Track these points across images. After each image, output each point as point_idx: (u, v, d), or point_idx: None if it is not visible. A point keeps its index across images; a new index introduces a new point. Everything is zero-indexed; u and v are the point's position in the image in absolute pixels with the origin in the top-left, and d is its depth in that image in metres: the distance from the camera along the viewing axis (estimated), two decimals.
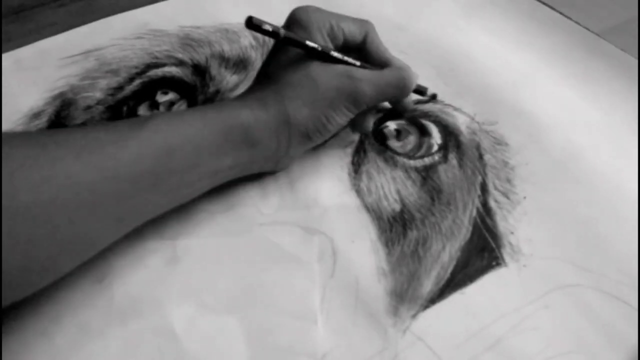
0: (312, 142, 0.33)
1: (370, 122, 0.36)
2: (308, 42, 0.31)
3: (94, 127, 0.30)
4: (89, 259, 0.28)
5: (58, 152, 0.25)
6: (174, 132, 0.28)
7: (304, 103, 0.31)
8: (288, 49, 0.32)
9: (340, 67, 0.32)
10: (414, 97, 0.40)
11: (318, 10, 0.33)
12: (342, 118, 0.33)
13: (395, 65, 0.34)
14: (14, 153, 0.24)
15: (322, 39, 0.32)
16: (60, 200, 0.24)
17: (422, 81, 0.39)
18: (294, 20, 0.33)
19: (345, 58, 0.33)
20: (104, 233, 0.27)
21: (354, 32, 0.34)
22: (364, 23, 0.34)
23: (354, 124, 0.36)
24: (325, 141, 0.37)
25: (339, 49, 0.33)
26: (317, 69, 0.32)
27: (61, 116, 0.39)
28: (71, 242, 0.25)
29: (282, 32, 0.30)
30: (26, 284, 0.25)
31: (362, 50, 0.35)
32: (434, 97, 0.40)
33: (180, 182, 0.29)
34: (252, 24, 0.29)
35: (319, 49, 0.32)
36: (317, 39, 0.32)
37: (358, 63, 0.33)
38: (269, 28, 0.29)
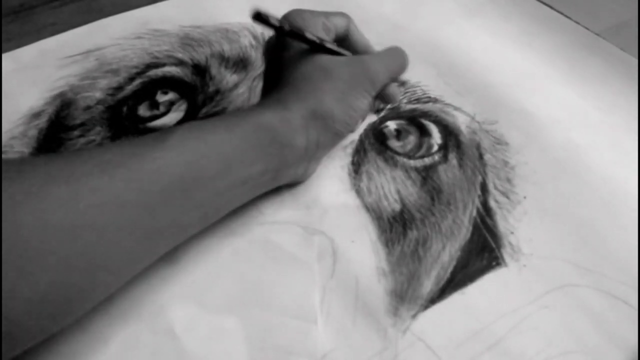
0: (339, 135, 0.33)
1: (396, 90, 0.35)
2: (309, 35, 0.31)
3: (117, 143, 0.29)
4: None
5: (82, 168, 0.24)
6: (199, 140, 0.27)
7: (324, 93, 0.31)
8: (289, 48, 0.32)
9: (345, 56, 0.32)
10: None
11: (308, 11, 0.33)
12: (363, 102, 0.32)
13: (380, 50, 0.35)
14: (37, 171, 0.23)
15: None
16: (88, 216, 0.23)
17: (422, 81, 0.39)
18: (288, 20, 0.32)
19: (342, 50, 0.33)
20: (139, 251, 0.26)
21: (341, 26, 0.34)
22: (345, 16, 0.35)
23: (382, 97, 0.36)
24: None
25: None
26: (325, 60, 0.32)
27: (61, 116, 0.39)
28: (106, 261, 0.24)
29: (287, 25, 0.30)
30: (63, 311, 0.24)
31: (344, 41, 0.35)
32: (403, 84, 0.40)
33: (211, 191, 0.28)
34: (260, 17, 0.28)
35: (318, 41, 0.32)
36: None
37: (350, 54, 0.34)
38: (275, 23, 0.29)
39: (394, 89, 0.36)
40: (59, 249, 0.22)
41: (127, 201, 0.24)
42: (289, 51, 0.32)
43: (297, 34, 0.31)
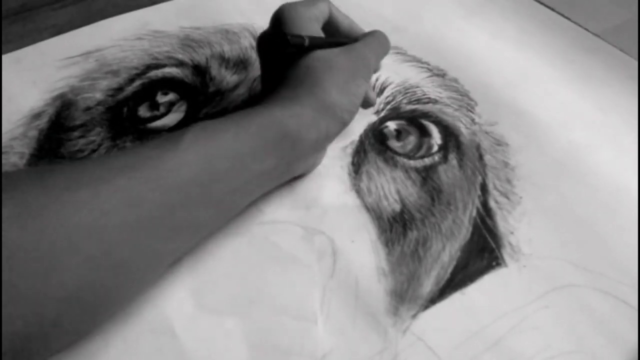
0: (345, 123, 0.33)
1: (374, 95, 0.38)
2: (329, 40, 0.33)
3: (131, 147, 0.30)
4: None
5: (101, 172, 0.25)
6: (212, 140, 0.28)
7: (329, 85, 0.31)
8: (278, 49, 0.33)
9: (337, 48, 0.33)
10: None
11: (299, 4, 0.34)
12: (362, 88, 0.33)
13: (364, 32, 0.37)
14: (57, 177, 0.24)
15: (314, 29, 0.33)
16: (110, 215, 0.24)
17: (422, 81, 0.39)
18: (283, 18, 0.33)
19: (343, 40, 0.35)
20: (160, 249, 0.27)
21: (326, 11, 0.35)
22: (326, 1, 0.35)
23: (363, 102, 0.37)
24: None
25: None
26: (323, 53, 0.32)
27: (61, 117, 0.39)
28: (129, 260, 0.25)
29: (307, 40, 0.31)
30: (93, 310, 0.25)
31: (330, 26, 0.36)
32: None
33: (227, 188, 0.28)
34: (278, 40, 0.30)
35: (344, 41, 0.34)
36: (312, 30, 0.33)
37: (352, 41, 0.35)
38: (297, 41, 0.31)
39: (372, 94, 0.37)
40: (84, 248, 0.23)
41: (146, 200, 0.25)
42: (284, 53, 0.33)
43: (317, 45, 0.32)
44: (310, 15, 0.33)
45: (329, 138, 0.33)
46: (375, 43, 0.36)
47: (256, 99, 0.40)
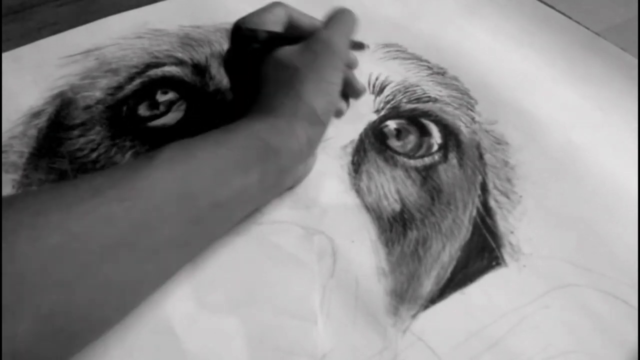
0: (325, 124, 0.32)
1: (359, 82, 0.36)
2: (284, 34, 0.32)
3: (106, 169, 0.30)
4: None
5: (74, 194, 0.24)
6: (189, 156, 0.27)
7: (298, 91, 0.31)
8: (245, 57, 0.33)
9: (301, 42, 0.32)
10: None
11: (256, 14, 0.33)
12: (335, 80, 0.32)
13: (321, 22, 0.35)
14: (28, 203, 0.23)
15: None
16: (82, 237, 0.23)
17: (422, 80, 0.38)
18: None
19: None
20: (143, 269, 0.26)
21: (283, 14, 0.34)
22: (278, 3, 0.34)
23: (351, 91, 0.36)
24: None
25: None
26: (281, 54, 0.32)
27: (61, 115, 0.39)
28: (107, 280, 0.24)
29: (264, 34, 0.31)
30: (71, 333, 0.24)
31: (292, 29, 0.34)
32: (362, 46, 0.39)
33: (209, 204, 0.27)
34: (240, 32, 0.29)
35: (291, 35, 0.33)
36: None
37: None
38: (250, 34, 0.31)
39: (356, 81, 0.36)
40: (57, 271, 0.22)
41: (121, 220, 0.24)
42: (245, 60, 0.33)
43: (275, 38, 0.32)
44: (263, 21, 0.32)
45: (311, 144, 0.32)
46: (339, 23, 0.33)
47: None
